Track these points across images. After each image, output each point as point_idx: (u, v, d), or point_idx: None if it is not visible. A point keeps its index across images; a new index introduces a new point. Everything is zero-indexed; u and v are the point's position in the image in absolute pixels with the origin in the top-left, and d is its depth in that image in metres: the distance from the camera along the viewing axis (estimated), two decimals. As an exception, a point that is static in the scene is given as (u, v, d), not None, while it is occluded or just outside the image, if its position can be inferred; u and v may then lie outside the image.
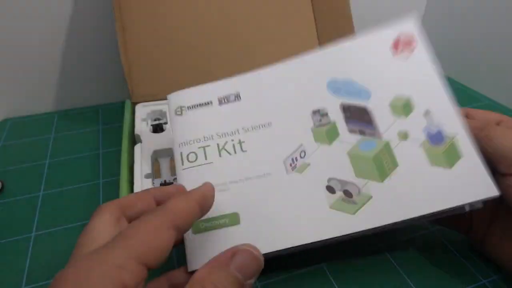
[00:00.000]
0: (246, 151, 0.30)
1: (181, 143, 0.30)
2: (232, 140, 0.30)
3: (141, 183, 0.32)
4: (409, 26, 0.32)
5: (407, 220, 0.26)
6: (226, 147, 0.30)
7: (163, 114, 0.43)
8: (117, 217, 0.21)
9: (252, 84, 0.33)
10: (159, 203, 0.24)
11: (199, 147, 0.30)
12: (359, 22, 0.65)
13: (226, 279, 0.19)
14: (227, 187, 0.28)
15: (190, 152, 0.30)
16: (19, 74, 0.50)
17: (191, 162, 0.29)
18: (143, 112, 0.42)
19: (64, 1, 0.47)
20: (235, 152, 0.30)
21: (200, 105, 0.32)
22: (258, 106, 0.32)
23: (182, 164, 0.29)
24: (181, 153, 0.30)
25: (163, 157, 0.37)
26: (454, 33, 0.62)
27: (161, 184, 0.33)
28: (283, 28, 0.48)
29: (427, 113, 0.29)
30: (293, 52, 0.48)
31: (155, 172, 0.35)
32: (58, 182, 0.40)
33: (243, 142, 0.30)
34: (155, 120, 0.42)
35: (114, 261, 0.17)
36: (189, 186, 0.27)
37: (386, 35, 0.32)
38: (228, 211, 0.27)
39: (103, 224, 0.20)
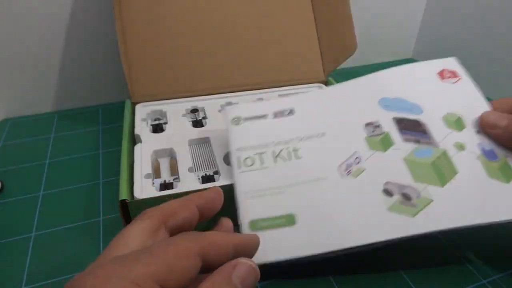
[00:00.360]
0: (300, 157, 0.31)
1: (238, 148, 0.32)
2: (287, 148, 0.31)
3: (141, 183, 0.32)
4: (452, 63, 0.35)
5: (466, 226, 0.26)
6: (281, 154, 0.31)
7: (163, 114, 0.43)
8: (157, 227, 0.22)
9: (305, 101, 0.35)
10: (201, 210, 0.24)
11: (255, 153, 0.31)
12: (359, 22, 0.65)
13: None
14: (283, 190, 0.29)
15: (247, 158, 0.31)
16: (19, 74, 0.50)
17: (248, 166, 0.30)
18: (143, 112, 0.42)
19: (64, 0, 0.47)
20: (289, 159, 0.31)
21: (256, 117, 0.34)
22: (311, 119, 0.33)
23: (239, 168, 0.30)
24: (238, 157, 0.31)
25: (163, 157, 0.37)
26: (454, 33, 0.62)
27: (160, 185, 0.33)
28: (283, 29, 0.48)
29: (478, 132, 0.30)
30: (293, 53, 0.48)
31: (155, 172, 0.35)
32: (58, 182, 0.40)
33: (298, 149, 0.31)
34: (155, 120, 0.42)
35: (132, 277, 0.17)
36: (245, 189, 0.29)
37: (430, 65, 0.34)
38: (284, 212, 0.27)
39: (140, 231, 0.21)
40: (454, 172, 0.28)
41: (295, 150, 0.31)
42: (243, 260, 0.21)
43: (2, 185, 0.39)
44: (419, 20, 0.67)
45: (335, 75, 0.63)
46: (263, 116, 0.34)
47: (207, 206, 0.24)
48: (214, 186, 0.26)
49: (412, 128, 0.31)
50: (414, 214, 0.26)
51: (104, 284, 0.17)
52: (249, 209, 0.28)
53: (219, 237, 0.21)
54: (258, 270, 0.21)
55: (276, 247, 0.25)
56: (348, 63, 0.66)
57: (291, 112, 0.34)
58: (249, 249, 0.23)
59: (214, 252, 0.20)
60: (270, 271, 0.25)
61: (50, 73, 0.51)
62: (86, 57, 0.51)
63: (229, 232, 0.24)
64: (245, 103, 0.37)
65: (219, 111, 0.43)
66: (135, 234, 0.21)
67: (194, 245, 0.20)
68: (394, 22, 0.66)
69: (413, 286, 0.29)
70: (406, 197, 0.27)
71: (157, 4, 0.44)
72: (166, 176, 0.35)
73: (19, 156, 0.44)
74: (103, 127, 0.50)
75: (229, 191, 0.31)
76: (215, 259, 0.20)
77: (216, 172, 0.35)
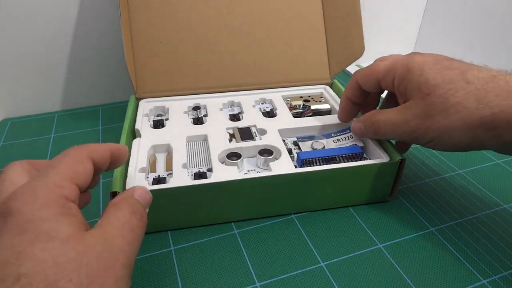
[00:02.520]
0: None
1: None
2: None
3: (135, 177, 0.32)
4: None
5: None
6: None
7: (165, 110, 0.43)
8: (28, 169, 0.24)
9: None
10: (112, 157, 0.26)
11: None
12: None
13: (135, 202, 0.24)
14: None
15: None
16: (20, 74, 0.50)
17: None
18: (146, 108, 0.42)
19: (65, 1, 0.47)
20: None
21: None
22: None
23: None
24: None
25: (161, 152, 0.37)
26: (454, 33, 0.62)
27: (153, 179, 0.34)
28: (291, 29, 0.48)
29: None
30: (299, 54, 0.48)
31: (151, 167, 0.35)
32: (58, 182, 0.40)
33: None
34: (157, 116, 0.43)
35: (53, 181, 0.21)
36: None
37: None
38: None
39: (16, 173, 0.23)
40: None
41: None
42: (137, 186, 0.25)
43: (2, 185, 0.39)
44: (419, 20, 0.67)
45: (337, 76, 0.64)
46: None
47: (117, 154, 0.26)
48: (124, 145, 0.29)
49: None
50: None
51: (33, 192, 0.20)
52: None
53: (99, 145, 0.25)
54: (149, 192, 0.26)
55: None
56: (348, 63, 0.66)
57: None
58: (121, 156, 0.27)
59: (98, 156, 0.24)
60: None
61: (50, 73, 0.51)
62: (86, 57, 0.51)
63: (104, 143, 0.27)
64: None
65: (221, 109, 0.43)
66: (13, 176, 0.23)
67: (83, 151, 0.23)
68: (394, 22, 0.66)
69: (413, 286, 0.29)
70: None
71: (163, 1, 0.44)
72: (161, 171, 0.35)
73: (19, 156, 0.44)
74: (103, 127, 0.50)
75: (224, 187, 0.32)
76: (99, 162, 0.24)
77: (210, 170, 0.35)
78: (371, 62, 0.34)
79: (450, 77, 0.28)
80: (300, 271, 0.30)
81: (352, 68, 0.64)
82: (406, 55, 0.32)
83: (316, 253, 0.32)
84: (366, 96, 0.36)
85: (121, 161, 0.27)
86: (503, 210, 0.36)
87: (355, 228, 0.34)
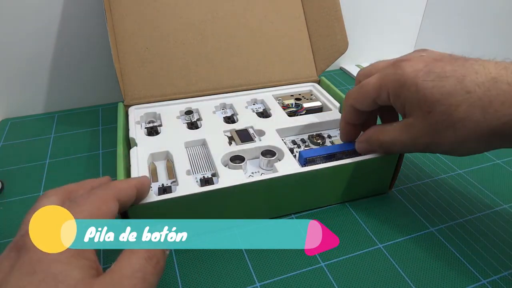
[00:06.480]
0: None
1: None
2: None
3: None
4: None
5: None
6: None
7: (157, 116, 0.43)
8: (62, 199, 0.24)
9: None
10: (137, 194, 0.27)
11: None
12: (359, 22, 0.65)
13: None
14: None
15: None
16: (19, 74, 0.50)
17: None
18: (136, 115, 0.42)
19: (65, 2, 0.47)
20: None
21: None
22: None
23: None
24: None
25: (159, 160, 0.37)
26: (454, 33, 0.62)
27: (159, 188, 0.33)
28: (275, 29, 0.48)
29: None
30: (285, 53, 0.48)
31: (152, 176, 0.35)
32: (58, 182, 0.40)
33: None
34: (149, 122, 0.42)
35: None
36: None
37: None
38: None
39: (49, 204, 0.23)
40: None
41: None
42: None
43: (2, 185, 0.39)
44: (419, 20, 0.67)
45: (334, 74, 0.64)
46: None
47: (141, 189, 0.27)
48: (145, 176, 0.30)
49: None
50: None
51: None
52: None
53: (125, 183, 0.26)
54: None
55: None
56: (348, 63, 0.66)
57: None
58: (146, 188, 0.28)
59: (124, 195, 0.25)
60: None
61: (50, 73, 0.51)
62: (86, 57, 0.51)
63: (129, 179, 0.29)
64: None
65: (214, 112, 0.43)
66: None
67: (109, 192, 0.24)
68: (394, 21, 0.66)
69: (413, 286, 0.29)
70: None
71: (147, 5, 0.44)
72: (163, 180, 0.34)
73: (19, 156, 0.44)
74: (103, 127, 0.50)
75: (234, 191, 0.31)
76: (126, 201, 0.25)
77: (214, 175, 0.34)
78: (372, 62, 0.34)
79: (447, 89, 0.26)
80: (300, 271, 0.30)
81: (350, 67, 0.64)
82: (392, 62, 0.30)
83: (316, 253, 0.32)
84: (366, 115, 0.34)
85: (145, 194, 0.28)
86: (503, 210, 0.36)
87: (355, 228, 0.34)
